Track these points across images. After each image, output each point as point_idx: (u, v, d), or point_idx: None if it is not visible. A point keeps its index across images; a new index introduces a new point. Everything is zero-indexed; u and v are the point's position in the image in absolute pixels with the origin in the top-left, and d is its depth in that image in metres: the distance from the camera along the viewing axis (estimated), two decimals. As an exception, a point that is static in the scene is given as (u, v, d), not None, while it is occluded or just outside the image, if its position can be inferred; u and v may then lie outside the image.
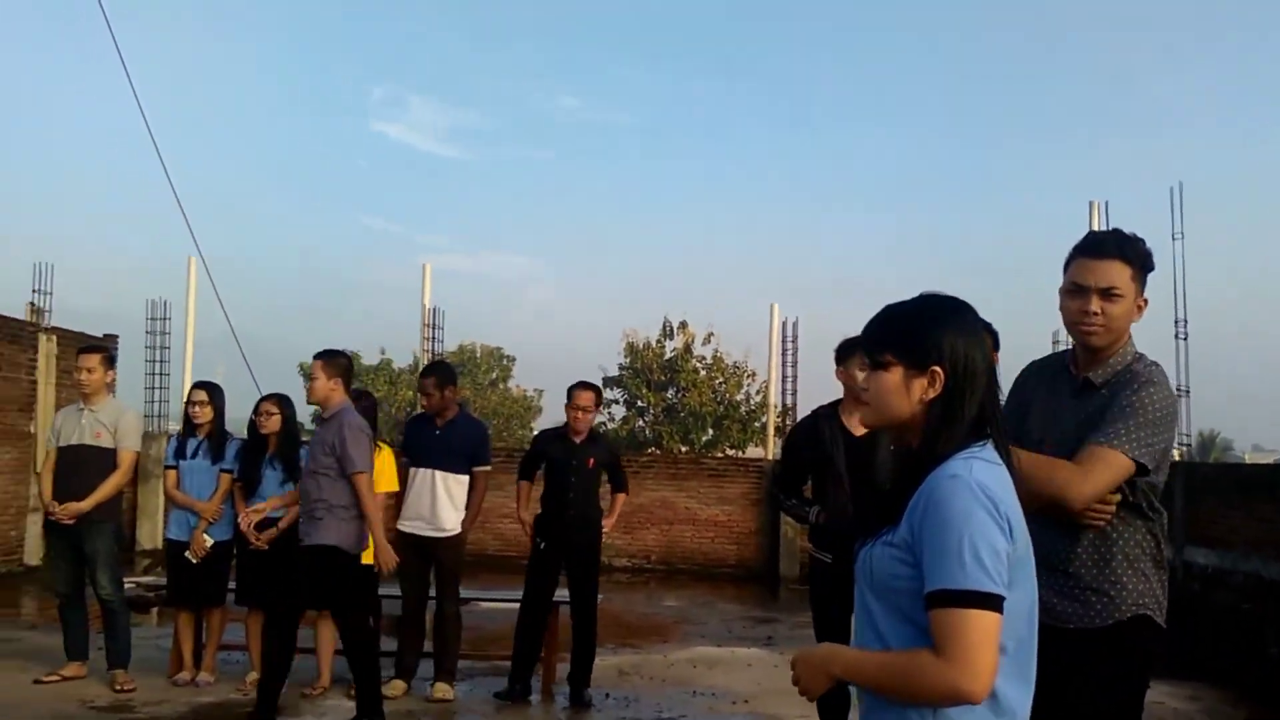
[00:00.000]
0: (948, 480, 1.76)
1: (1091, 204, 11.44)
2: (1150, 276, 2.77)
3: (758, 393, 25.41)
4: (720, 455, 20.36)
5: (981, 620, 1.67)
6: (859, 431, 4.59)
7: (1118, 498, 2.66)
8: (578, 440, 6.26)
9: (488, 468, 6.39)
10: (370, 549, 5.74)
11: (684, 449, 25.01)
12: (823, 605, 4.65)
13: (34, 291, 12.73)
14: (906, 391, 1.87)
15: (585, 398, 6.28)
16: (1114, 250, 2.67)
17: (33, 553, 11.47)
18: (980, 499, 1.73)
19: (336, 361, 5.54)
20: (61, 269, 16.65)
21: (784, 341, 14.78)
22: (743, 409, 26.23)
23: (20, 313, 12.31)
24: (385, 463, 6.23)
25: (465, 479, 6.25)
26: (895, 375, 1.88)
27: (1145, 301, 2.74)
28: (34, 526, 11.46)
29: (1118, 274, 2.65)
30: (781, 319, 14.75)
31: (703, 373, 27.21)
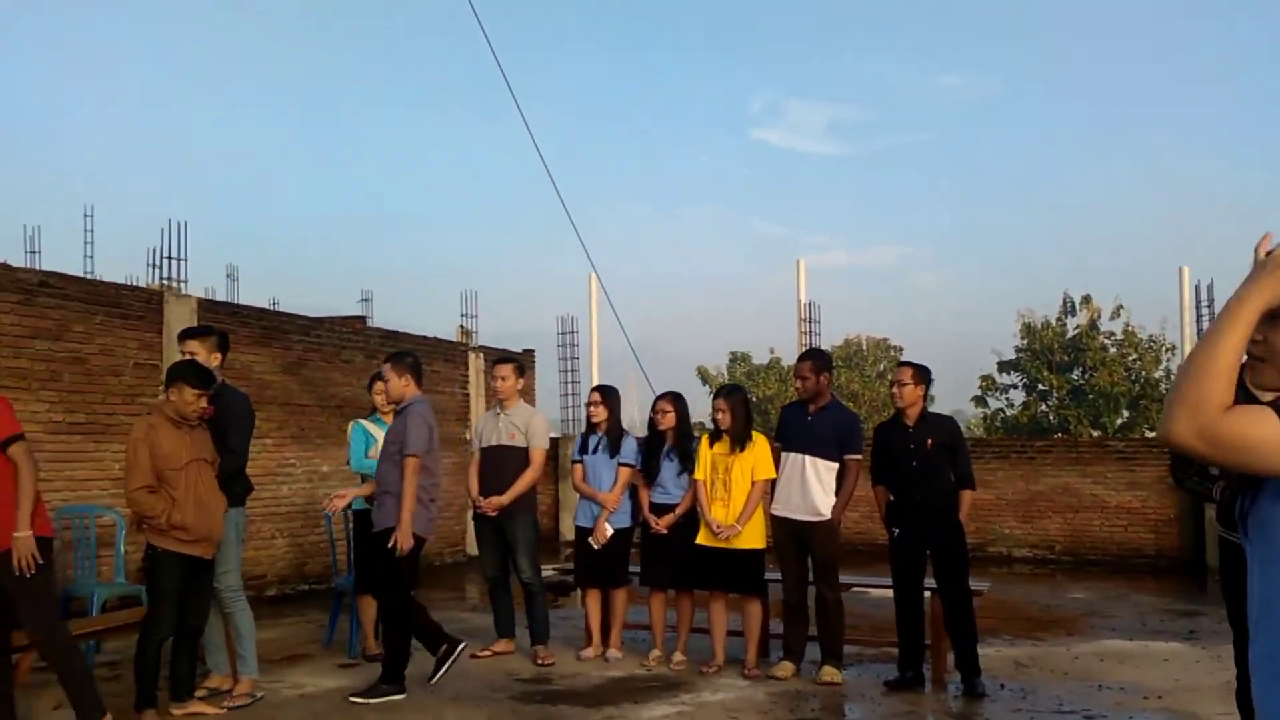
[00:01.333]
0: None
1: None
2: None
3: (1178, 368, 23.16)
4: (1131, 438, 18.78)
5: None
6: (1267, 397, 4.13)
7: None
8: (910, 424, 6.14)
9: (858, 456, 6.39)
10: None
11: (1095, 433, 23.29)
12: (1235, 589, 4.22)
13: (463, 316, 14.46)
14: None
15: (901, 374, 6.19)
16: None
17: (473, 544, 12.97)
18: None
19: (403, 361, 6.05)
20: (486, 295, 18.75)
21: (1198, 307, 13.38)
22: (1163, 386, 23.95)
23: (453, 335, 14.02)
24: (761, 450, 6.44)
25: (835, 466, 6.30)
26: None
27: None
28: (473, 521, 13.00)
29: None
30: (1194, 282, 13.39)
31: (1112, 350, 25.19)
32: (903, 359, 6.33)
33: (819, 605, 6.31)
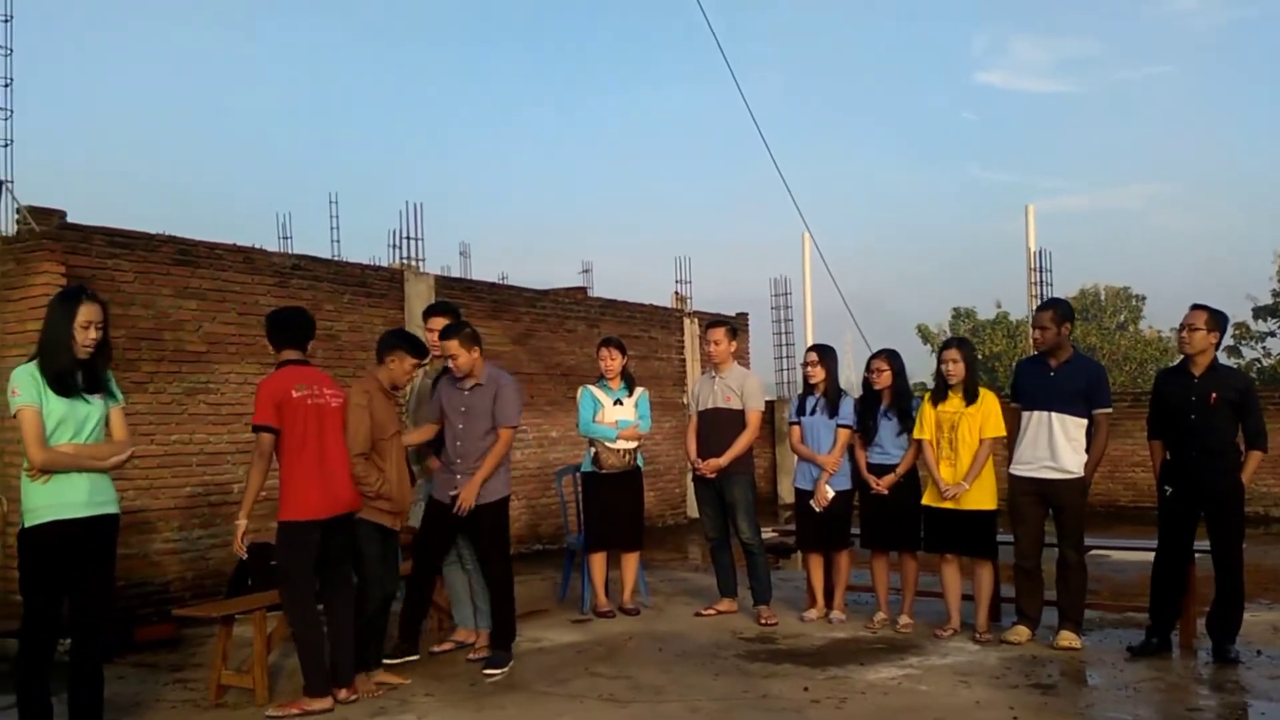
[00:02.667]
0: None
1: None
2: None
3: None
4: None
5: None
6: None
7: None
8: (1197, 373, 5.70)
9: (1108, 410, 6.03)
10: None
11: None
12: None
13: (677, 282, 14.65)
14: None
15: (1193, 317, 5.71)
16: None
17: (693, 506, 13.24)
18: None
19: (464, 333, 5.77)
20: (699, 261, 18.90)
21: None
22: None
23: (668, 302, 14.23)
24: (990, 407, 6.22)
25: (1084, 422, 5.97)
26: None
27: None
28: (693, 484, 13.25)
29: None
30: None
31: (1390, 291, 22.76)
32: (1196, 301, 5.81)
33: (1060, 568, 6.04)
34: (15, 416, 4.02)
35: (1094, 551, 6.66)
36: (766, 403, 9.30)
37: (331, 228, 16.14)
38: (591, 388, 7.15)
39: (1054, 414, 5.95)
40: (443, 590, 6.48)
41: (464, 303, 10.22)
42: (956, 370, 6.22)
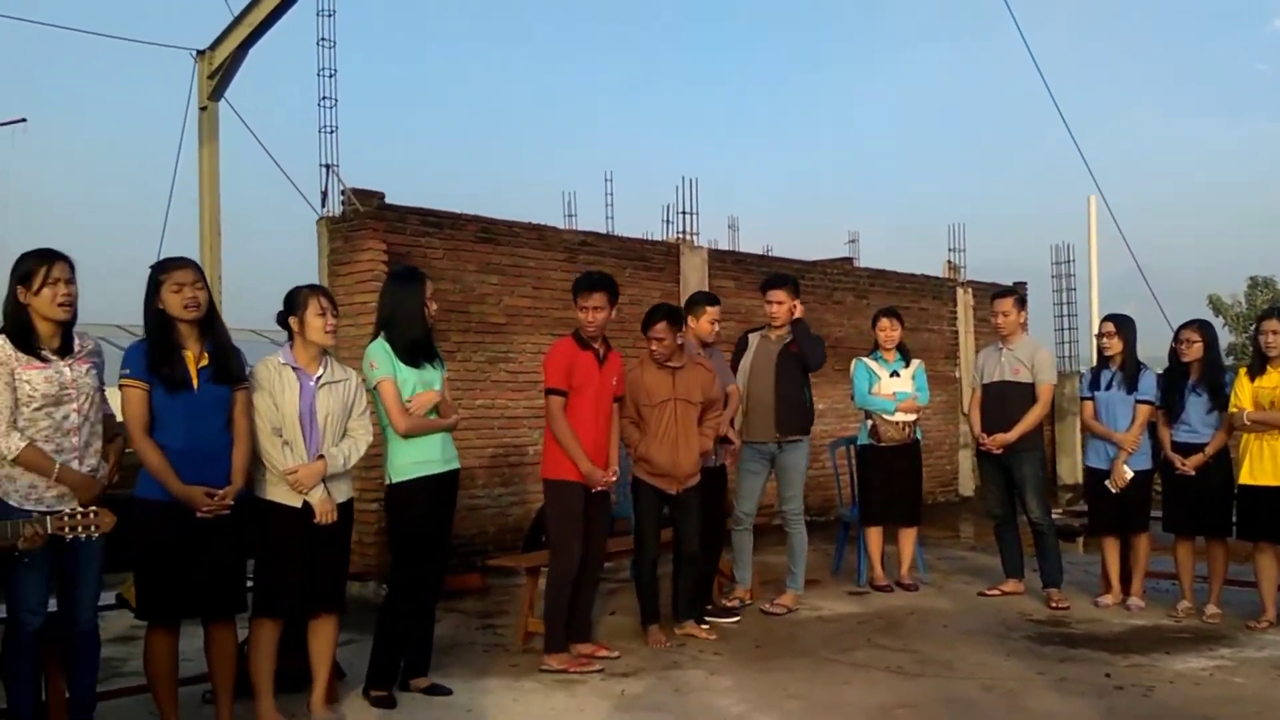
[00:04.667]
0: None
1: None
2: None
3: None
4: None
5: None
6: None
7: None
8: None
9: None
10: None
11: None
12: None
13: (950, 250, 14.19)
14: None
15: None
16: None
17: (965, 484, 12.88)
18: None
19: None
20: (973, 227, 18.23)
21: None
22: None
23: (939, 271, 13.83)
24: None
25: None
26: None
27: None
28: (965, 461, 12.86)
29: None
30: None
31: None
32: None
33: None
34: (375, 388, 4.50)
35: None
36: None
37: (606, 204, 16.66)
38: (866, 360, 7.12)
39: None
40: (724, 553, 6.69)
41: (734, 275, 10.40)
42: (1277, 342, 5.76)
